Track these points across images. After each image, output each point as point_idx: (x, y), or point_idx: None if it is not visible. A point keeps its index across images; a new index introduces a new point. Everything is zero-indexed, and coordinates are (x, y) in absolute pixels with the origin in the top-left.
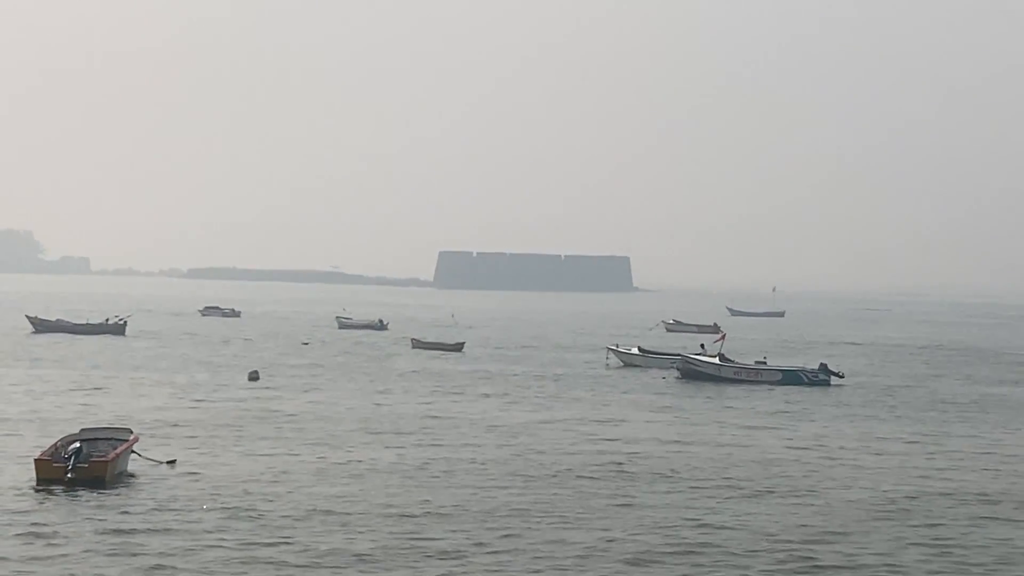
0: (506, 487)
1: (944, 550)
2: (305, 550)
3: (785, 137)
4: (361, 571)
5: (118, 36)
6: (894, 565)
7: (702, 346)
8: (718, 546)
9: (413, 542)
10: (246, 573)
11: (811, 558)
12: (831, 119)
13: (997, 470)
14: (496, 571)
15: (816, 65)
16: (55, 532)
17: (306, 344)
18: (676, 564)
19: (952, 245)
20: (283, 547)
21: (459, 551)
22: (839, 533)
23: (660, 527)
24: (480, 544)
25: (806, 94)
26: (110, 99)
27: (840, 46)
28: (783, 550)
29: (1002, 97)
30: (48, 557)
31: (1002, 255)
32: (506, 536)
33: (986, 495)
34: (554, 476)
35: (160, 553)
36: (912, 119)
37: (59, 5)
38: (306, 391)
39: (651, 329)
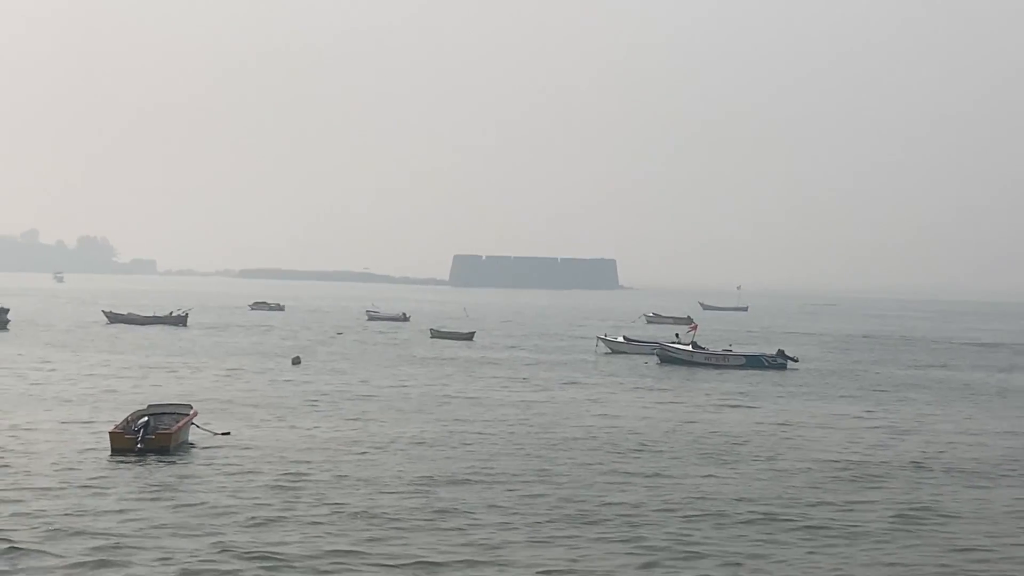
0: (510, 455)
1: (886, 507)
2: (337, 510)
3: (755, 161)
4: (386, 528)
5: (185, 67)
6: (842, 519)
7: (676, 335)
8: (691, 505)
9: (430, 501)
10: (286, 528)
11: (770, 514)
12: (801, 145)
13: (928, 440)
14: (503, 526)
15: (784, 97)
16: (127, 493)
17: (340, 334)
18: (657, 520)
19: (914, 249)
20: (318, 506)
21: (471, 510)
22: (793, 495)
23: (641, 488)
24: (492, 506)
25: (776, 126)
26: (179, 122)
27: (807, 74)
28: (747, 509)
29: (979, 113)
30: (120, 511)
31: (958, 259)
32: (512, 496)
33: (919, 462)
34: (551, 446)
35: (214, 509)
36: (884, 138)
37: (136, 44)
38: (340, 373)
39: (634, 321)
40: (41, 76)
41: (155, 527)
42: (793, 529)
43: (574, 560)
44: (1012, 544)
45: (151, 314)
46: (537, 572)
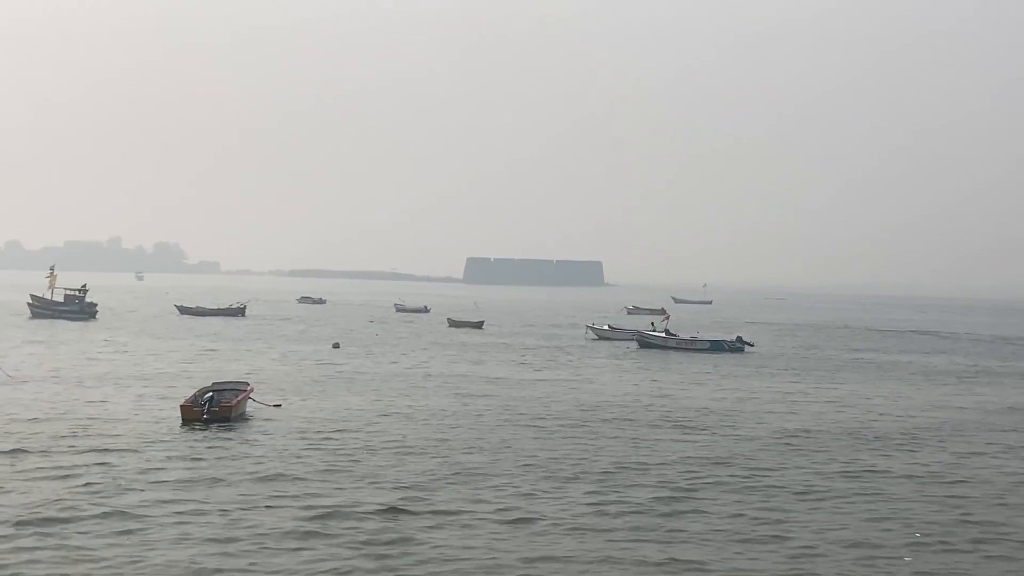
0: (512, 422)
1: (826, 464)
2: (373, 470)
3: (725, 178)
4: (412, 482)
5: (255, 105)
6: (790, 476)
7: (652, 324)
8: (663, 463)
9: (447, 462)
10: (327, 481)
11: (730, 471)
12: (772, 163)
13: (863, 411)
14: (508, 482)
15: (754, 125)
16: (196, 455)
17: (372, 323)
18: (633, 477)
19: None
20: (354, 466)
21: (483, 470)
22: (749, 455)
23: (621, 451)
24: (498, 463)
25: (744, 149)
26: (241, 148)
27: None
28: (711, 466)
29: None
30: (187, 469)
31: (930, 258)
32: (514, 456)
33: (855, 429)
34: (546, 416)
35: (267, 468)
36: (852, 147)
37: (213, 85)
38: (373, 356)
39: (617, 313)
40: (137, 112)
41: (215, 480)
42: (752, 486)
43: (564, 508)
44: (935, 496)
45: (215, 306)
46: (535, 517)
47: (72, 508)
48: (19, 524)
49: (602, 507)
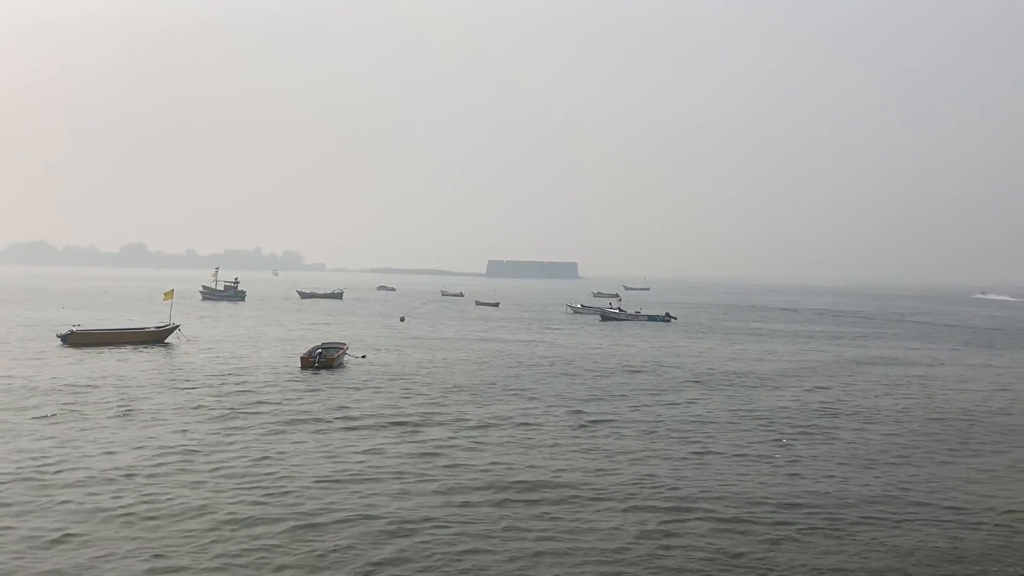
0: (517, 367)
1: (720, 392)
2: (430, 399)
3: (664, 193)
4: (451, 400)
5: (343, 137)
6: (699, 402)
7: (610, 304)
8: (613, 394)
9: (479, 394)
10: (401, 405)
11: (658, 400)
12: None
13: (754, 362)
14: (520, 406)
15: (685, 138)
16: (310, 388)
17: (425, 303)
18: (599, 404)
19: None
20: (418, 395)
21: (498, 397)
22: (669, 390)
23: (587, 385)
24: (510, 393)
25: (692, 156)
26: (338, 171)
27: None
28: (645, 395)
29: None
30: (310, 392)
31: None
32: (520, 390)
33: (741, 372)
34: (540, 363)
35: (357, 396)
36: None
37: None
38: (427, 325)
39: (587, 297)
40: (281, 144)
41: (324, 407)
42: (672, 405)
43: (550, 418)
44: (797, 417)
45: (323, 292)
46: (532, 423)
47: (228, 418)
48: (205, 420)
49: (576, 418)
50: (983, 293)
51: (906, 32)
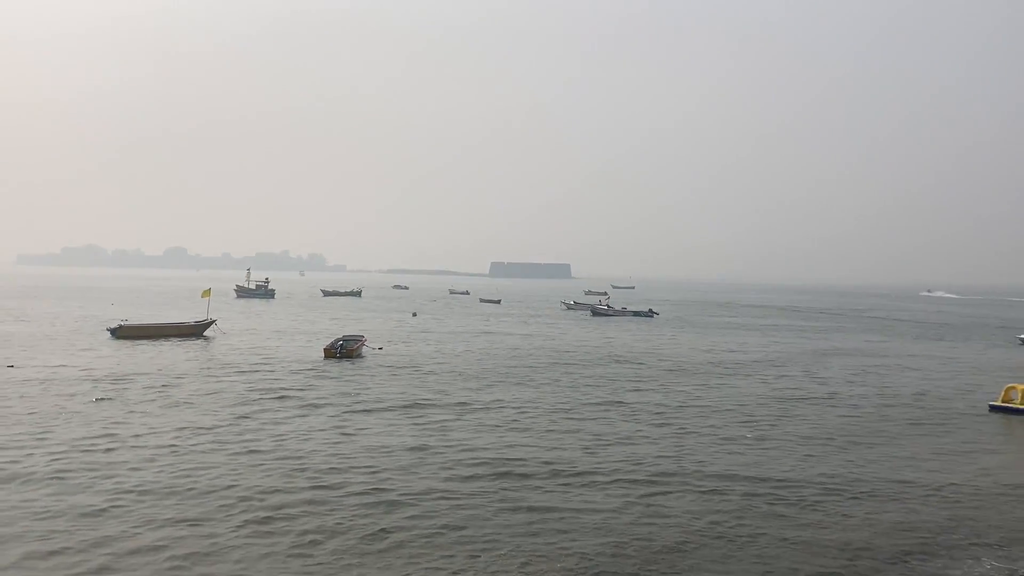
0: (516, 356)
1: (702, 386)
2: (441, 382)
3: (646, 200)
4: (459, 384)
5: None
6: (677, 387)
7: (599, 301)
8: (600, 381)
9: (478, 383)
10: (416, 389)
11: (639, 386)
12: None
13: (727, 353)
14: (521, 385)
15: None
16: (332, 375)
17: (434, 301)
18: (589, 390)
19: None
20: (426, 383)
21: (499, 380)
22: (651, 378)
23: (579, 372)
24: (510, 377)
25: (677, 162)
26: (361, 183)
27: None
28: (628, 381)
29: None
30: (332, 379)
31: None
32: (520, 375)
33: (716, 360)
34: (536, 353)
35: (375, 382)
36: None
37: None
38: (437, 320)
39: (579, 294)
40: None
41: (344, 392)
42: (658, 390)
43: (546, 400)
44: (765, 401)
45: (344, 290)
46: (524, 405)
47: (258, 402)
48: (238, 404)
49: (569, 402)
50: (929, 291)
51: (851, 34)
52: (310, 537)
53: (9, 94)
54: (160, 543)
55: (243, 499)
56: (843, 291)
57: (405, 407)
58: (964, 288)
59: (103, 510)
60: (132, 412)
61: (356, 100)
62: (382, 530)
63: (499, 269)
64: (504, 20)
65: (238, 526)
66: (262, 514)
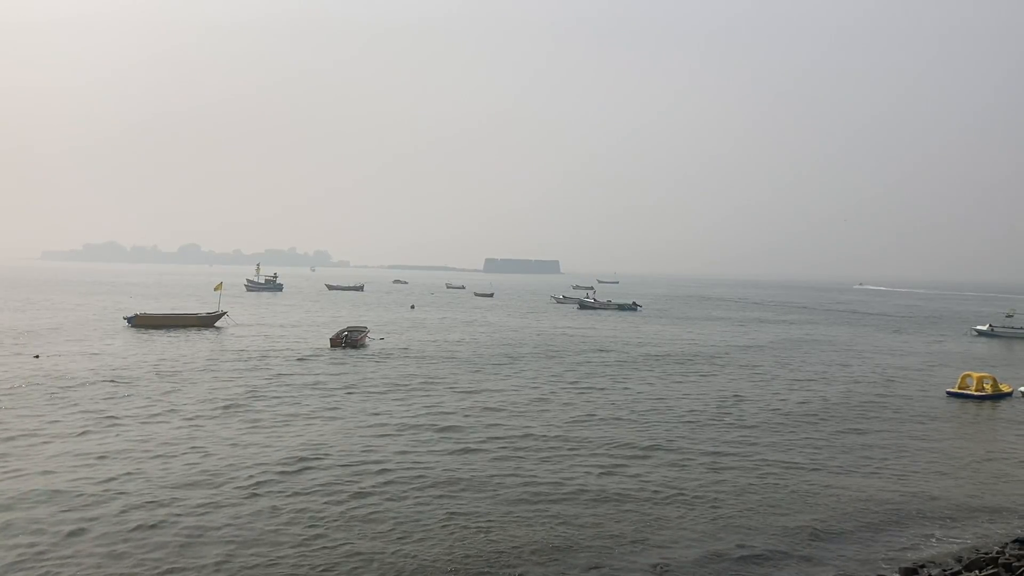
0: (509, 345)
1: (675, 367)
2: (432, 371)
3: (631, 197)
4: (453, 373)
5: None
6: (653, 374)
7: (586, 295)
8: (591, 366)
9: (473, 369)
10: (415, 373)
11: (622, 373)
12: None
13: (700, 343)
14: (513, 372)
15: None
16: (338, 362)
17: (432, 295)
18: (576, 375)
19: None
20: (424, 369)
21: (497, 369)
22: (633, 364)
23: (568, 360)
24: (502, 366)
25: (657, 164)
26: (368, 187)
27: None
28: (613, 366)
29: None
30: (337, 365)
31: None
32: (514, 363)
33: (694, 351)
34: (527, 343)
35: (378, 368)
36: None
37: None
38: (434, 311)
39: (567, 289)
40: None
41: (348, 377)
42: (638, 379)
43: (537, 386)
44: (734, 384)
45: (347, 285)
46: (514, 391)
47: (265, 389)
48: (256, 387)
49: (557, 385)
50: (861, 284)
51: (813, 38)
52: (302, 499)
53: (33, 100)
54: (175, 508)
55: (259, 464)
56: (791, 284)
57: (406, 390)
58: (893, 281)
59: (128, 474)
60: (150, 393)
61: (362, 101)
62: (359, 491)
63: (493, 265)
64: (505, 20)
65: (244, 482)
66: (271, 477)
